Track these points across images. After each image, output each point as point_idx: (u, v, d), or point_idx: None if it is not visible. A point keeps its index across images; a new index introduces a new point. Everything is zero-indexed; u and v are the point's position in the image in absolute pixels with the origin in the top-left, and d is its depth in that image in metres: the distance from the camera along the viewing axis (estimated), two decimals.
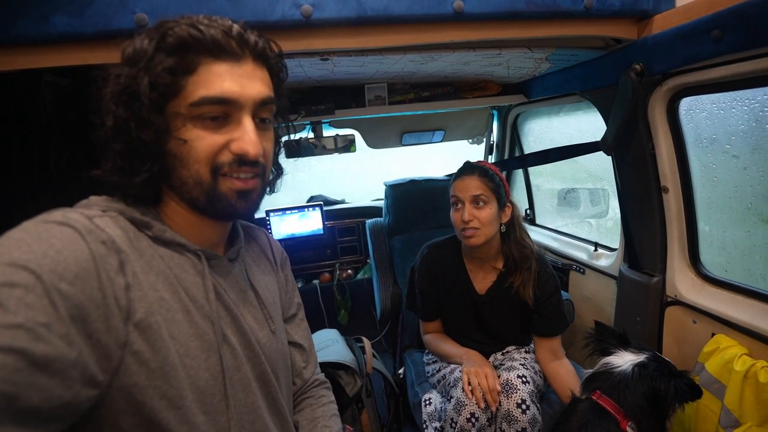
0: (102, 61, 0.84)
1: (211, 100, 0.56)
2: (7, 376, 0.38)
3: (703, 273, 1.28)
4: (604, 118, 1.38)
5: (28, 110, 0.97)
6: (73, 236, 0.48)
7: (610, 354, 1.10)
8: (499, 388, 1.18)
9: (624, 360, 1.06)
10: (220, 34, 0.56)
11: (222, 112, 0.57)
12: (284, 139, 0.76)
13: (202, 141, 0.56)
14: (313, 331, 1.60)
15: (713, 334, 1.16)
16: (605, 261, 1.69)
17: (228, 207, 0.60)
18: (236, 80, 0.57)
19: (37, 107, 0.97)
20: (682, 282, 1.30)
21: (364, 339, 1.62)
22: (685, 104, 1.22)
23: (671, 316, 1.33)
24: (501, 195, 1.30)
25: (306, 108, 1.70)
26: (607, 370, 1.06)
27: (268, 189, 0.75)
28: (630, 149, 1.33)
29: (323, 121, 1.93)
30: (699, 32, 0.96)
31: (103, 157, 0.59)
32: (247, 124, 0.58)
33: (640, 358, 1.05)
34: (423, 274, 1.46)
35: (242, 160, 0.58)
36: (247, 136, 0.57)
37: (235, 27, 0.58)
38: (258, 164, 0.60)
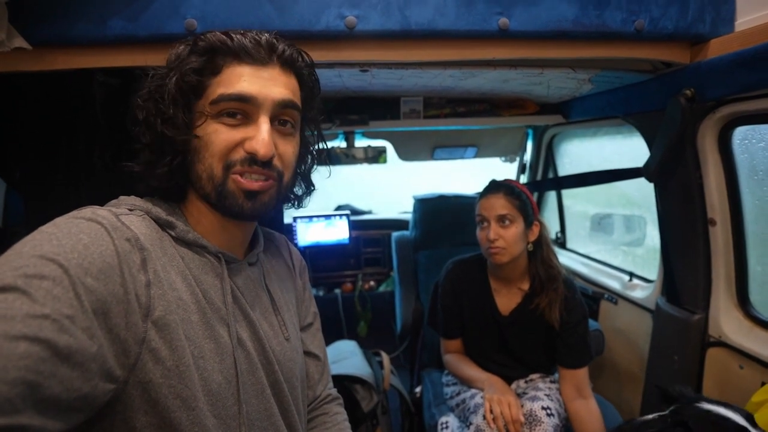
0: (152, 64, 0.87)
1: (227, 97, 0.58)
2: (32, 365, 0.39)
3: (752, 314, 1.19)
4: (647, 144, 1.32)
5: (79, 107, 1.02)
6: (100, 232, 0.49)
7: None
8: (522, 419, 1.13)
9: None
10: (249, 41, 0.59)
11: (239, 109, 0.58)
12: (316, 147, 0.75)
13: (218, 136, 0.58)
14: (332, 340, 1.60)
15: (763, 383, 1.07)
16: (641, 292, 1.61)
17: (235, 206, 0.60)
18: (256, 81, 0.59)
19: (87, 105, 1.01)
20: (727, 322, 1.21)
21: (383, 353, 1.59)
22: (740, 133, 1.15)
23: (714, 358, 1.24)
24: (528, 213, 1.26)
25: (341, 117, 1.72)
26: None
27: (296, 203, 0.75)
28: (675, 177, 1.26)
29: (356, 131, 1.94)
30: (761, 58, 0.90)
31: (136, 150, 0.62)
32: (263, 124, 0.59)
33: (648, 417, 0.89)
34: (446, 290, 1.43)
35: (253, 160, 0.59)
36: (260, 136, 0.58)
37: (265, 36, 0.61)
38: (271, 166, 0.60)
